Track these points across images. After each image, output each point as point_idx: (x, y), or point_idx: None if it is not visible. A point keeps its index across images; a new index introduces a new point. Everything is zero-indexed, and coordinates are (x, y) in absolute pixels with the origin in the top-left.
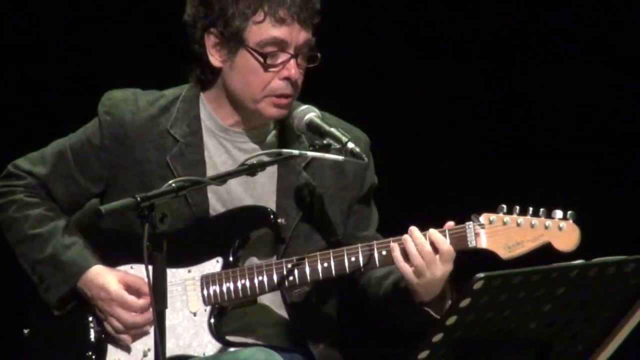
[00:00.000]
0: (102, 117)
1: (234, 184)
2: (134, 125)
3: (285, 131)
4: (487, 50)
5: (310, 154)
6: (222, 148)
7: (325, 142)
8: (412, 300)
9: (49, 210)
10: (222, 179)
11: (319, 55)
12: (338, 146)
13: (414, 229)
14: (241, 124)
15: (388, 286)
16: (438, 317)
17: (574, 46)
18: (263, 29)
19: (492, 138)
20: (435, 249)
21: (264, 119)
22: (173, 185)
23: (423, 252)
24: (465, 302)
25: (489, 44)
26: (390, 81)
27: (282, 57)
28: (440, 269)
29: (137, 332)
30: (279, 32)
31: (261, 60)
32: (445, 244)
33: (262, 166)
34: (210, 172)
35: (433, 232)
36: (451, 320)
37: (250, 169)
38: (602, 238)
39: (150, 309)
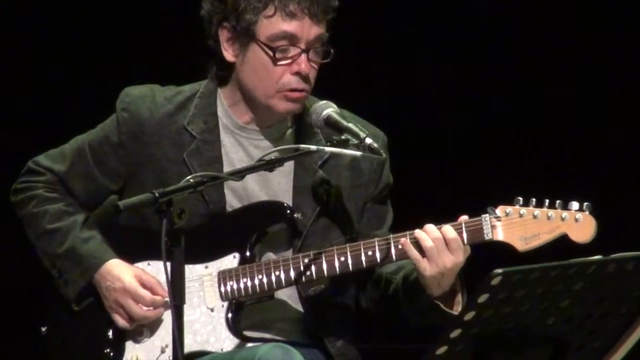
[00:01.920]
0: (119, 113)
1: (250, 181)
2: (151, 121)
3: (303, 128)
4: (506, 41)
5: (328, 149)
6: (238, 145)
7: (343, 137)
8: (422, 293)
9: (68, 206)
10: (240, 174)
11: (332, 50)
12: (356, 142)
13: (429, 224)
14: (256, 120)
15: (398, 280)
16: (448, 310)
17: (594, 39)
18: (273, 23)
19: (508, 130)
20: (445, 239)
21: (277, 115)
22: (191, 180)
23: (433, 237)
24: (483, 298)
25: (508, 35)
26: (402, 76)
27: (293, 51)
28: (450, 258)
29: (146, 326)
30: (289, 26)
31: (271, 54)
32: (452, 232)
33: (280, 162)
34: (226, 169)
35: (444, 225)
36: (469, 315)
37: (268, 165)
38: (621, 234)
39: (161, 306)
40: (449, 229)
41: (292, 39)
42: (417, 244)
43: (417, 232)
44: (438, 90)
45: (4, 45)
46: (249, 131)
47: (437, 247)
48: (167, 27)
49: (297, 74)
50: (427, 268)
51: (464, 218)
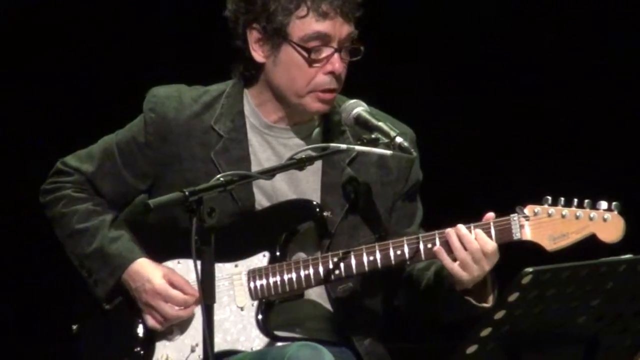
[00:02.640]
0: (146, 114)
1: (278, 180)
2: (178, 122)
3: (330, 126)
4: (532, 41)
5: (358, 148)
6: (266, 144)
7: (373, 136)
8: (453, 289)
9: (96, 205)
10: (270, 173)
11: (362, 48)
12: (386, 140)
13: (460, 226)
14: (285, 119)
15: (430, 276)
16: (479, 305)
17: (619, 37)
18: (306, 24)
19: (536, 129)
20: (484, 251)
21: (308, 114)
22: (221, 179)
23: (470, 248)
24: (513, 297)
25: (534, 34)
26: (427, 74)
27: (326, 51)
28: (487, 263)
29: (176, 325)
30: (322, 26)
31: (305, 55)
32: (489, 244)
33: (310, 160)
34: (254, 168)
35: (479, 232)
36: (499, 314)
37: (299, 163)
38: None
39: (193, 305)
40: (486, 240)
41: (325, 38)
42: (449, 248)
43: (452, 242)
44: (466, 89)
45: (28, 47)
46: (276, 130)
47: (474, 258)
48: (193, 27)
49: (331, 73)
50: (463, 272)
51: (490, 215)
